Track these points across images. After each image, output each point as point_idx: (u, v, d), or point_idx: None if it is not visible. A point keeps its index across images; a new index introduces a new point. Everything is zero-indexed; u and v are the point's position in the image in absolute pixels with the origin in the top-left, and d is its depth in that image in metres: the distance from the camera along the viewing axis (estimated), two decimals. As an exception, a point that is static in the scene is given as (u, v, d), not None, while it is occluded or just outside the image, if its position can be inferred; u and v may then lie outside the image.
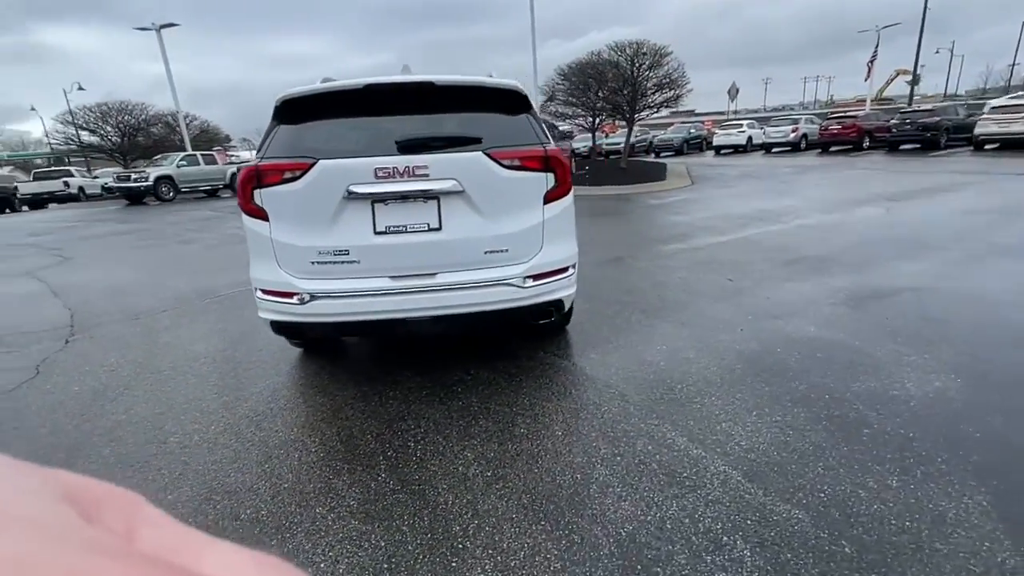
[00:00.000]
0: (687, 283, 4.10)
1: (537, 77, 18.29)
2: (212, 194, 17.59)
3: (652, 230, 6.77)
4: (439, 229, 2.31)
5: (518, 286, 2.35)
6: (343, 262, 2.31)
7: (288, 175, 2.23)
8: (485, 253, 2.35)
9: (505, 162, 2.29)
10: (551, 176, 2.36)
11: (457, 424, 2.30)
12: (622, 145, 16.11)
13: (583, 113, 16.39)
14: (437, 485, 1.90)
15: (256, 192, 2.27)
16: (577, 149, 21.33)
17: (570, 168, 2.49)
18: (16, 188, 19.27)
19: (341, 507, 1.82)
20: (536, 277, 2.39)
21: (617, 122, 17.72)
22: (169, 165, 16.58)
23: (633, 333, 3.18)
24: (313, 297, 2.30)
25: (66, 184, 20.98)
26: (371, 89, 2.30)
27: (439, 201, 2.30)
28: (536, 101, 18.20)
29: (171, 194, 16.27)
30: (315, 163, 2.21)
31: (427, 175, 2.24)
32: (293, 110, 2.34)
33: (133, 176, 16.28)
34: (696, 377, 2.59)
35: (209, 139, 26.80)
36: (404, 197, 2.27)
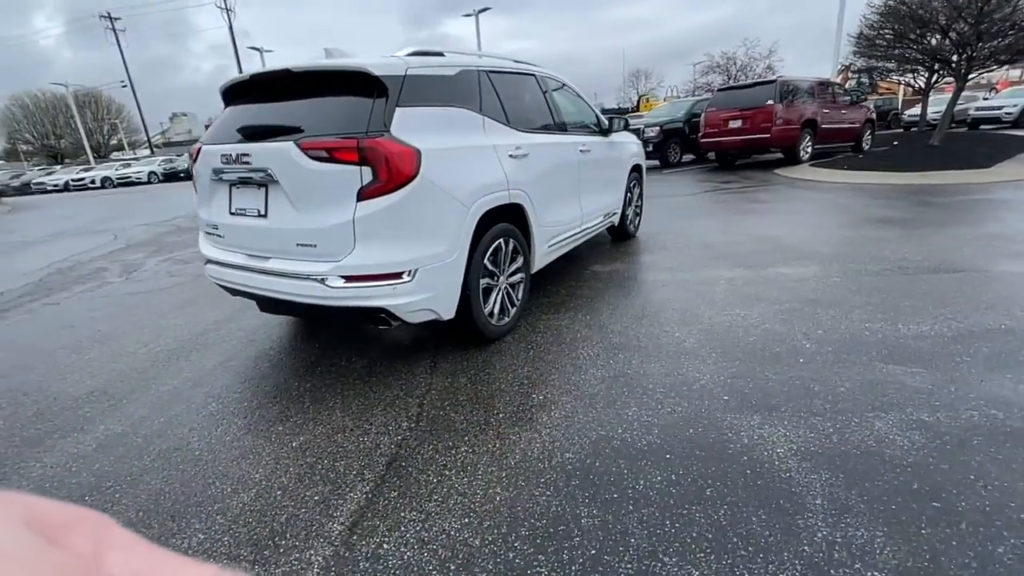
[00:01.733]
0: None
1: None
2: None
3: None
4: (265, 216, 2.38)
5: (326, 284, 2.19)
6: (216, 235, 2.64)
7: (194, 155, 2.74)
8: (296, 245, 2.29)
9: (312, 153, 2.14)
10: (368, 170, 2.10)
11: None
12: (937, 113, 11.21)
13: (903, 66, 12.05)
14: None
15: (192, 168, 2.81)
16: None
17: (402, 163, 2.13)
18: None
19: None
20: (349, 279, 2.18)
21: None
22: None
23: None
24: (207, 261, 2.70)
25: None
26: (254, 79, 2.50)
27: (267, 189, 2.36)
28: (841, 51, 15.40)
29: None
30: (201, 147, 2.64)
31: (249, 163, 2.33)
32: (225, 98, 2.75)
33: None
34: None
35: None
36: (244, 182, 2.43)
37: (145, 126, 45.19)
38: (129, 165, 28.48)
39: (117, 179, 26.45)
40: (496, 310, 2.78)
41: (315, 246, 2.23)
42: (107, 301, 4.35)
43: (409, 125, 2.22)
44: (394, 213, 2.15)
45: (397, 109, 2.20)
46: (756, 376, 2.29)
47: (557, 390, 2.29)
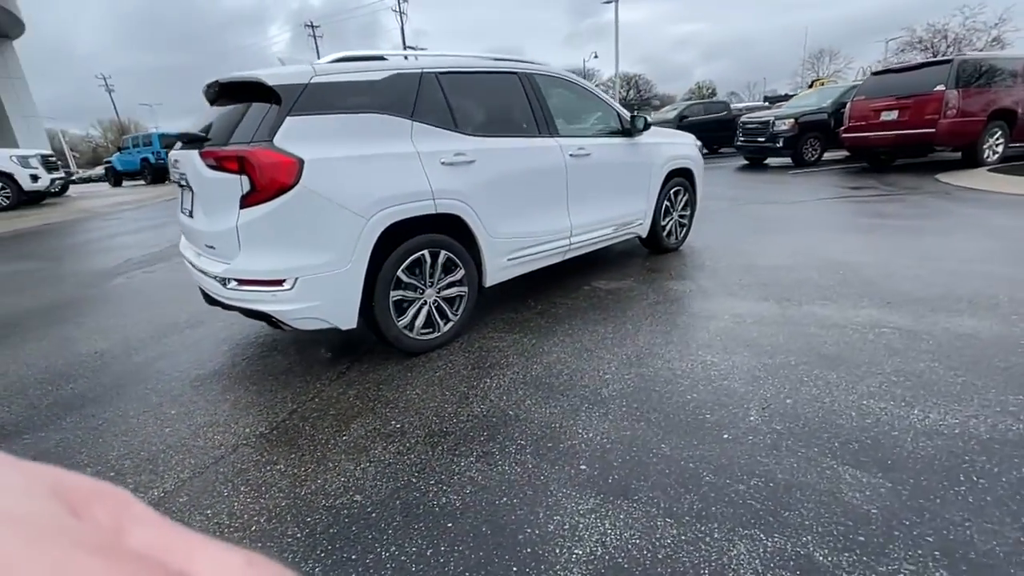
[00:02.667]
0: None
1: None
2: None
3: None
4: (192, 217, 2.57)
5: (225, 285, 2.31)
6: (182, 231, 2.86)
7: None
8: (205, 246, 2.44)
9: (207, 161, 2.28)
10: (247, 179, 2.16)
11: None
12: None
13: None
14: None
15: None
16: None
17: (276, 172, 2.13)
18: None
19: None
20: (240, 282, 2.28)
21: None
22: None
23: None
24: (180, 253, 2.94)
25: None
26: (207, 89, 2.63)
27: (192, 193, 2.53)
28: None
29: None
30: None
31: (178, 168, 2.63)
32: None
33: None
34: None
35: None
36: (181, 185, 2.69)
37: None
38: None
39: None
40: (419, 323, 2.66)
41: (215, 248, 2.36)
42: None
43: (300, 134, 2.21)
44: (272, 222, 2.17)
45: (288, 118, 2.20)
46: (644, 446, 1.84)
47: (415, 422, 2.11)
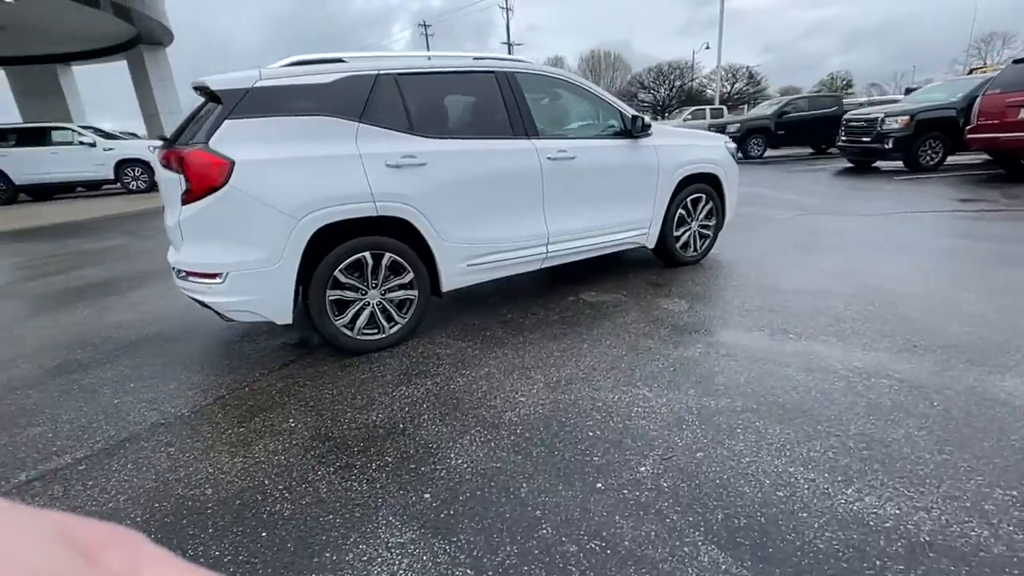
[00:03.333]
0: None
1: None
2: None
3: None
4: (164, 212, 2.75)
5: (176, 274, 2.54)
6: None
7: None
8: (169, 237, 2.66)
9: (161, 161, 2.48)
10: (183, 179, 2.31)
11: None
12: None
13: None
14: None
15: None
16: None
17: (207, 173, 2.27)
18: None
19: None
20: (186, 273, 2.46)
21: None
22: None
23: None
24: None
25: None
26: (194, 90, 2.69)
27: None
28: None
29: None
30: None
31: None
32: None
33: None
34: None
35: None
36: None
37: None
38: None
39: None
40: (361, 324, 2.68)
41: (172, 241, 2.56)
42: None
43: (238, 136, 2.31)
44: (205, 218, 2.31)
45: (226, 121, 2.30)
46: (503, 483, 1.68)
47: (309, 423, 2.13)
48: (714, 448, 1.80)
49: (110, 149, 12.02)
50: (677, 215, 3.81)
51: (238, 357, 2.83)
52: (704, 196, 3.92)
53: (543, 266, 3.29)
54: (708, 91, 25.90)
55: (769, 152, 13.80)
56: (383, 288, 2.71)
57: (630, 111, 3.51)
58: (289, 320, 2.52)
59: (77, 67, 20.51)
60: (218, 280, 2.36)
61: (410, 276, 2.75)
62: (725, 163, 3.97)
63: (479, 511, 1.58)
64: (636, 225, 3.60)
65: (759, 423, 1.94)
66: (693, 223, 3.96)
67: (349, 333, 2.66)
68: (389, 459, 1.86)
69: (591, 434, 1.93)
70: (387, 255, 2.66)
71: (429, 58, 2.96)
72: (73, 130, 12.13)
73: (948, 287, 3.23)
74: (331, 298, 2.57)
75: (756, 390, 2.17)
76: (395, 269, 2.72)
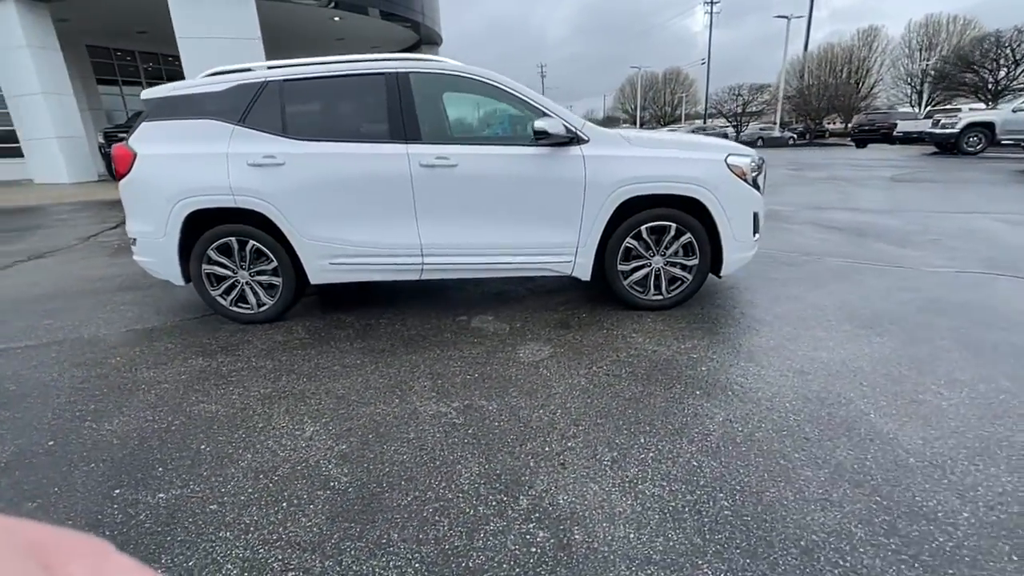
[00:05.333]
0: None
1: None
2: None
3: None
4: None
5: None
6: None
7: None
8: None
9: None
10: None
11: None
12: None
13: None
14: None
15: None
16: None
17: (120, 162, 2.97)
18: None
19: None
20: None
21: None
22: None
23: None
24: None
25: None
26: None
27: None
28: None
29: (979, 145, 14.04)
30: None
31: None
32: None
33: (942, 122, 15.19)
34: None
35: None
36: None
37: (706, 98, 51.24)
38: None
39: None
40: (233, 297, 3.13)
41: None
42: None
43: (147, 136, 2.95)
44: (125, 196, 3.06)
45: (143, 123, 2.97)
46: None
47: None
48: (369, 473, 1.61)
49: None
50: (624, 246, 3.00)
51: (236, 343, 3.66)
52: (674, 226, 2.95)
53: (423, 277, 3.11)
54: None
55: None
56: (252, 271, 3.08)
57: (561, 115, 2.89)
58: (182, 283, 3.14)
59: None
60: (134, 244, 3.13)
61: (274, 264, 3.05)
62: (711, 181, 2.87)
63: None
64: (552, 250, 3.00)
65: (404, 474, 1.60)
66: (655, 259, 3.04)
67: (223, 303, 3.14)
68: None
69: (249, 458, 1.94)
70: (251, 242, 3.01)
71: (315, 65, 3.02)
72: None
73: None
74: (206, 271, 3.09)
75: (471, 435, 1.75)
76: (260, 256, 3.05)
